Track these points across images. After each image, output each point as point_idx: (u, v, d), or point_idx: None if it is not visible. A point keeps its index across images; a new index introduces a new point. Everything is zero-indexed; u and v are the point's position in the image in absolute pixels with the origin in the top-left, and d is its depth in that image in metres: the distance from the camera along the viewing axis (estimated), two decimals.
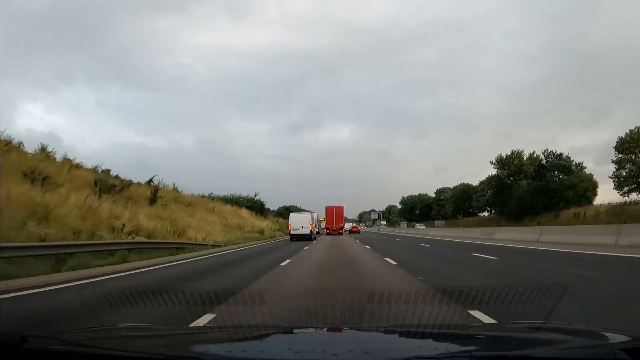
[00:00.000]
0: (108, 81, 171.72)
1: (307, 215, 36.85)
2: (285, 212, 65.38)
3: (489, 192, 65.73)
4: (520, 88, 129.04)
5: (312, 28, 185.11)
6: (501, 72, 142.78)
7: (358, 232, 60.36)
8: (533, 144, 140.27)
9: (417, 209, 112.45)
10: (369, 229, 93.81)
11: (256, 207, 60.17)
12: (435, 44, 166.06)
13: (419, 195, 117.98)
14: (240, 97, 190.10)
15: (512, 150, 63.10)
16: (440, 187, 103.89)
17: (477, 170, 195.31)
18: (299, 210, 50.99)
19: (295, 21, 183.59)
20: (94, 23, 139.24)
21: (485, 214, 76.23)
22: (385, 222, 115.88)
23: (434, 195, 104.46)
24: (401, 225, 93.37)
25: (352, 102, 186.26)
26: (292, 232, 33.89)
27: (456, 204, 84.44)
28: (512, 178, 61.09)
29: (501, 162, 62.86)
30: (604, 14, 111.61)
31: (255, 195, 64.07)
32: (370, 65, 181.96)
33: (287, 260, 13.42)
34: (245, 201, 58.66)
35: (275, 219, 62.80)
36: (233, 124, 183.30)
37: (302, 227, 33.64)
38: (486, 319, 4.47)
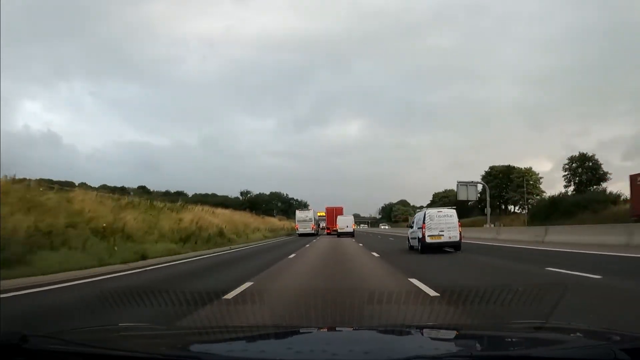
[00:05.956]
0: (106, 76, 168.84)
1: (351, 217, 46.37)
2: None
3: None
4: (547, 76, 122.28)
5: (320, 11, 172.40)
6: (524, 59, 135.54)
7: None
8: (561, 136, 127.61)
9: None
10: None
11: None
12: (453, 28, 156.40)
13: None
14: (244, 90, 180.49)
15: None
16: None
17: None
18: (302, 207, 60.43)
19: (301, 3, 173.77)
20: (90, 12, 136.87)
21: None
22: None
23: None
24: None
25: (363, 94, 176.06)
26: (339, 230, 42.82)
27: None
28: None
29: None
30: None
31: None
32: (381, 52, 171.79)
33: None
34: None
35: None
36: (237, 119, 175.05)
37: (347, 226, 42.64)
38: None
